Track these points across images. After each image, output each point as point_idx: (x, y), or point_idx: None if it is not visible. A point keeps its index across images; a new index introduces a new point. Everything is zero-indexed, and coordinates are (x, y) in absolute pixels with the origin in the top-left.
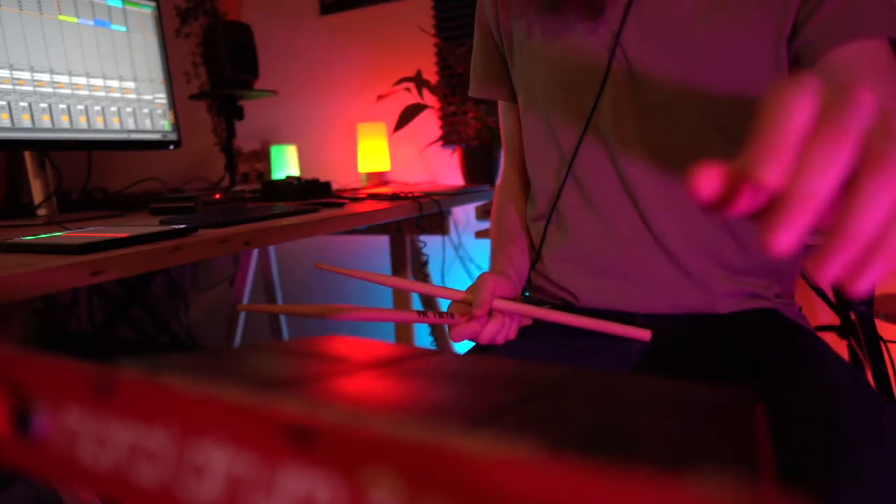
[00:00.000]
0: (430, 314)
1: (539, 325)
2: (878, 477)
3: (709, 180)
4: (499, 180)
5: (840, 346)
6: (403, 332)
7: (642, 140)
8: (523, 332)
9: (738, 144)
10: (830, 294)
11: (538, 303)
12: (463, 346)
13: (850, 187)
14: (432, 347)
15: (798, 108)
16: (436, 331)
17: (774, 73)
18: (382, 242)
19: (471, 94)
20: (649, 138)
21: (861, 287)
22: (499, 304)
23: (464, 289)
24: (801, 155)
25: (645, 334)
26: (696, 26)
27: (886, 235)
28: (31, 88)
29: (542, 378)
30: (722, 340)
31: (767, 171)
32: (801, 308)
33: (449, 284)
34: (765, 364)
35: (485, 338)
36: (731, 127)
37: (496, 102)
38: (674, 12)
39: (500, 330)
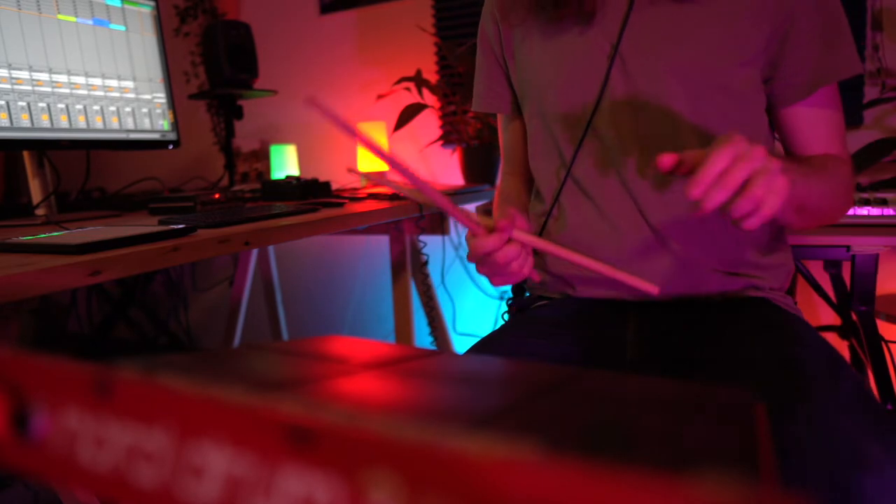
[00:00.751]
0: (459, 211)
1: (533, 317)
2: (834, 429)
3: (668, 160)
4: (498, 183)
5: (841, 347)
6: (403, 333)
7: (639, 141)
8: (518, 323)
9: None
10: (832, 294)
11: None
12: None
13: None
14: (432, 348)
15: (722, 159)
16: (436, 331)
17: (754, 78)
18: (382, 242)
19: (474, 108)
20: (644, 138)
21: (750, 221)
22: (518, 234)
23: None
24: (719, 178)
25: (653, 289)
26: (686, 38)
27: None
28: (29, 88)
29: (542, 378)
30: (711, 324)
31: (695, 193)
32: (795, 302)
33: (448, 284)
34: (745, 335)
35: (502, 257)
36: (715, 125)
37: None
38: (665, 23)
39: (517, 256)
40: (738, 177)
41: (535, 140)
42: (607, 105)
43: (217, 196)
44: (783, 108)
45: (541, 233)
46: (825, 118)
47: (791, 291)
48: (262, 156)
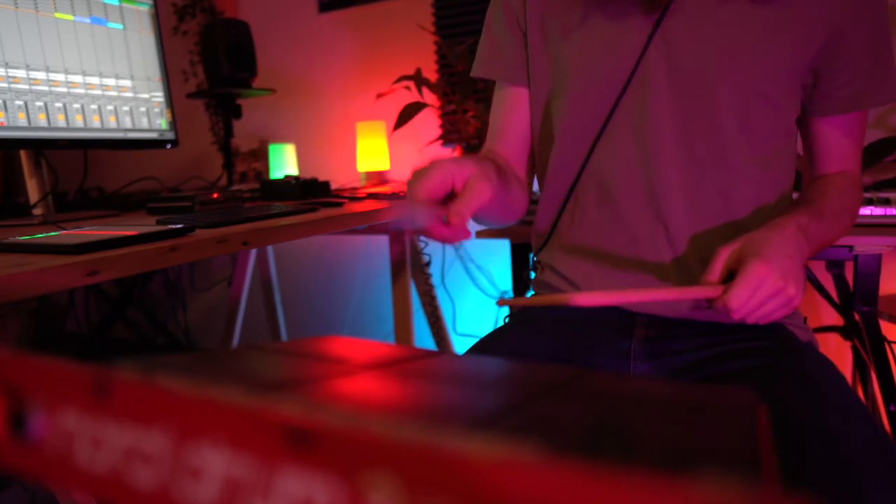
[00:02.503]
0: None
1: (534, 317)
2: None
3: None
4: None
5: (844, 347)
6: (403, 333)
7: (681, 144)
8: (518, 323)
9: (764, 153)
10: (835, 295)
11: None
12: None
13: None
14: (432, 348)
15: (744, 295)
16: (436, 331)
17: (796, 83)
18: (382, 242)
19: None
20: (686, 140)
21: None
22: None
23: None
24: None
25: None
26: (737, 39)
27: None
28: (27, 87)
29: (543, 380)
30: (721, 344)
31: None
32: (805, 319)
33: (448, 285)
34: (762, 380)
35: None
36: (756, 126)
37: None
38: (722, 20)
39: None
40: (757, 315)
41: (560, 117)
42: (648, 89)
43: (216, 196)
44: (816, 118)
45: (552, 230)
46: (853, 137)
47: None
48: (261, 155)
